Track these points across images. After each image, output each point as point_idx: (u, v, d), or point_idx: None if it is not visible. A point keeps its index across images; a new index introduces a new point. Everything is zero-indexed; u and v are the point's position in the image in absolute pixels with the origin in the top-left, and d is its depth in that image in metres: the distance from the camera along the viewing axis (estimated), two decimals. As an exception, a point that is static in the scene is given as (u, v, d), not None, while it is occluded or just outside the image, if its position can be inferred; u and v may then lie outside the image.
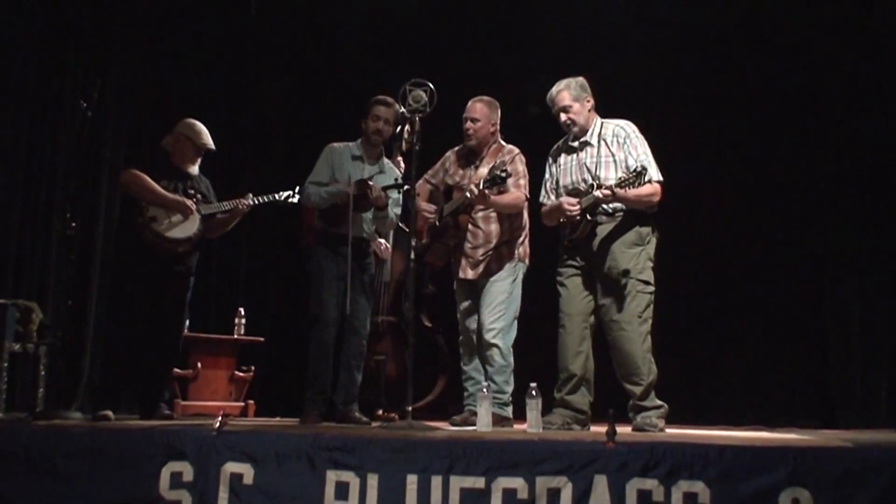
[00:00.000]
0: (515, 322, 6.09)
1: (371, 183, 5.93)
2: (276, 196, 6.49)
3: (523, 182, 6.09)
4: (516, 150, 6.18)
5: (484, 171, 5.96)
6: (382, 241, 6.65)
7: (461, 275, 6.13)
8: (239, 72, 8.95)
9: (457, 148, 6.37)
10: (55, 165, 7.54)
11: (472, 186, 5.79)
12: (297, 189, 6.43)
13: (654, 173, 5.41)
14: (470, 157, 6.25)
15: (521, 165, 6.11)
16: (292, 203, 6.48)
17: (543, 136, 6.23)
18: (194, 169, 6.33)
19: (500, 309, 5.99)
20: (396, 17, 8.78)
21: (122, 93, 8.05)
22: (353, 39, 8.94)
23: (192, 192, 6.26)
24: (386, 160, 6.32)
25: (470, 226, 6.09)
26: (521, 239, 6.17)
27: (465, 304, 6.20)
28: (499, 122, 6.23)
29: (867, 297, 7.60)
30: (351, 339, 6.05)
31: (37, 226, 7.44)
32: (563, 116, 5.71)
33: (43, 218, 7.46)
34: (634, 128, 5.67)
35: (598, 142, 5.65)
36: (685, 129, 8.06)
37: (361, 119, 6.20)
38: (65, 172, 7.54)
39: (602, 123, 5.71)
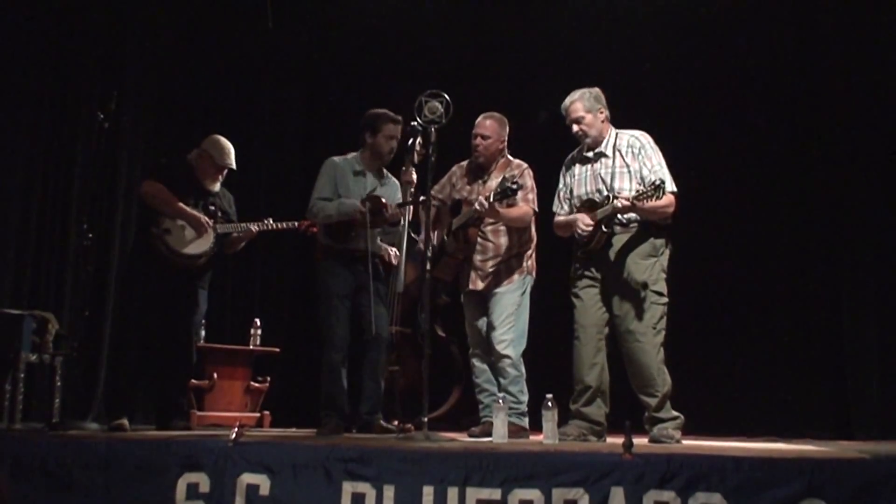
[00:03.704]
0: (525, 333, 6.09)
1: (385, 200, 5.93)
2: (296, 224, 6.47)
3: (531, 196, 6.10)
4: (524, 165, 6.18)
5: (492, 184, 5.96)
6: (393, 248, 6.62)
7: (470, 286, 6.13)
8: (255, 84, 9.00)
9: (463, 163, 6.36)
10: (72, 176, 7.60)
11: (482, 199, 5.79)
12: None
13: (669, 184, 5.40)
14: (478, 172, 6.24)
15: (529, 180, 6.11)
16: (313, 231, 6.44)
17: (553, 147, 6.24)
18: (215, 186, 6.35)
19: (510, 320, 5.99)
20: (410, 30, 8.82)
21: (139, 104, 8.11)
22: (369, 51, 8.98)
23: (213, 208, 6.28)
24: (385, 171, 6.31)
25: (479, 239, 6.09)
26: (529, 252, 6.16)
27: (475, 315, 6.20)
28: (507, 137, 6.23)
29: (884, 306, 7.56)
30: (373, 349, 6.06)
31: (53, 237, 7.48)
32: (575, 127, 5.71)
33: (60, 229, 7.50)
34: (649, 138, 5.67)
35: (613, 152, 5.64)
36: (695, 138, 8.05)
37: (367, 133, 6.18)
38: (81, 183, 7.58)
39: (617, 134, 5.70)
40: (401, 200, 6.12)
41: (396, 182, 6.34)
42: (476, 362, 6.17)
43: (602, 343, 5.62)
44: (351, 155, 6.28)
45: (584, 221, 5.50)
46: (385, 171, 6.30)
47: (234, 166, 6.38)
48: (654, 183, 5.23)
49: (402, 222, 6.15)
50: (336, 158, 6.26)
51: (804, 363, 7.85)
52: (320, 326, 6.08)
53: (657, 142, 5.68)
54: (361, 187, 6.10)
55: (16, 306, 6.71)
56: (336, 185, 6.13)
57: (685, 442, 5.35)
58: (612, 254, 5.55)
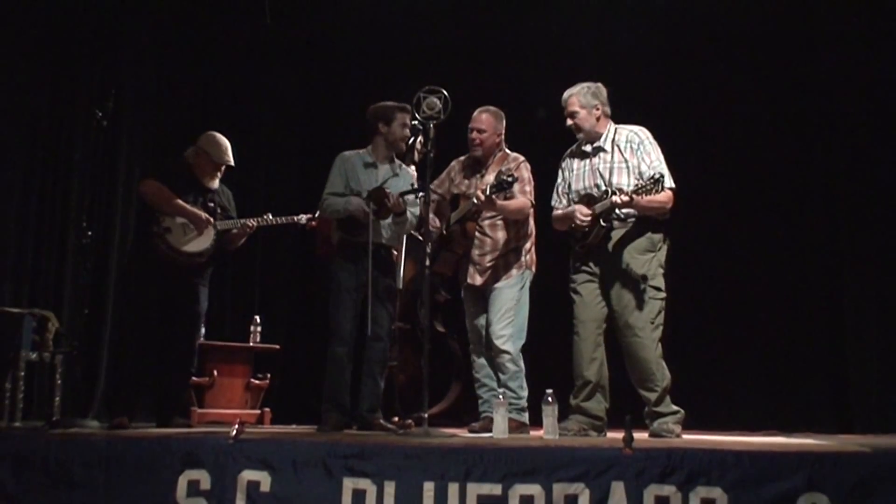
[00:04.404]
0: (524, 328, 6.10)
1: (388, 190, 5.93)
2: (296, 218, 6.48)
3: (529, 189, 6.11)
4: (522, 158, 6.19)
5: (490, 178, 5.96)
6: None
7: (469, 281, 6.14)
8: (254, 80, 8.98)
9: (462, 157, 6.37)
10: (71, 175, 7.59)
11: (479, 192, 5.80)
12: (316, 214, 6.40)
13: (668, 180, 5.40)
14: (475, 166, 6.25)
15: (526, 172, 6.12)
16: (312, 226, 6.45)
17: (552, 142, 6.24)
18: (214, 183, 6.35)
19: (508, 316, 5.99)
20: (408, 26, 8.81)
21: (137, 102, 8.10)
22: (367, 47, 8.97)
23: (212, 205, 6.29)
24: (398, 162, 6.33)
25: (477, 233, 6.09)
26: (528, 246, 6.17)
27: (474, 310, 6.21)
28: (504, 131, 6.24)
29: (884, 299, 7.55)
30: (373, 347, 6.05)
31: (53, 235, 7.48)
32: (569, 121, 5.72)
33: (59, 227, 7.50)
34: (648, 134, 5.66)
35: (612, 147, 5.64)
36: (694, 133, 8.06)
37: (380, 123, 6.17)
38: (80, 181, 7.58)
39: (616, 129, 5.70)
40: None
41: (410, 171, 6.36)
42: (475, 357, 6.18)
43: (601, 338, 5.62)
44: (362, 149, 6.28)
45: (582, 212, 5.50)
46: (398, 161, 6.30)
47: (232, 163, 6.38)
48: (652, 177, 5.23)
49: (410, 213, 6.15)
50: (346, 153, 6.27)
51: (805, 357, 7.85)
52: (328, 320, 6.08)
53: (656, 137, 5.68)
54: (373, 180, 6.10)
55: (16, 305, 6.71)
56: (347, 180, 6.13)
57: (685, 436, 5.35)
58: (609, 248, 5.54)
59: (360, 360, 6.09)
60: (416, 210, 6.21)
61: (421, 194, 5.67)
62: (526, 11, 8.70)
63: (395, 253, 6.62)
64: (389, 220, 6.07)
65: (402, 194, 6.00)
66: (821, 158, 8.03)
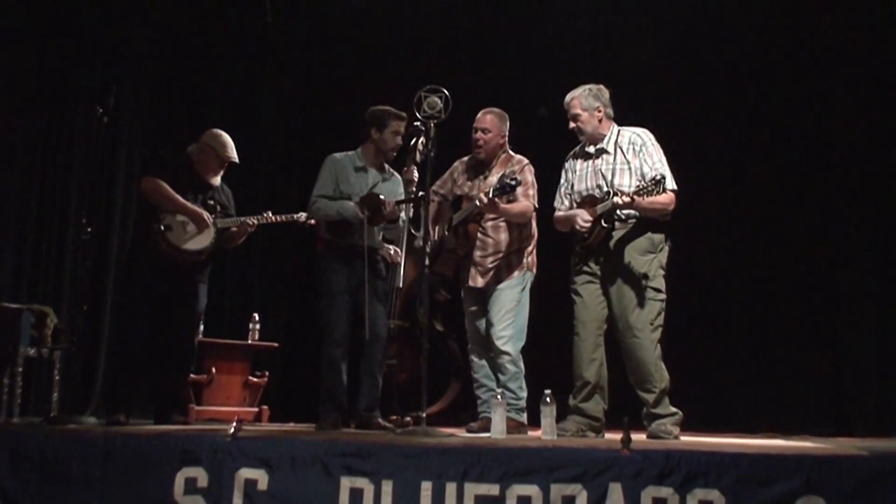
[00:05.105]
0: (525, 329, 6.09)
1: (383, 198, 5.93)
2: (295, 217, 6.48)
3: (532, 192, 6.09)
4: (525, 161, 6.18)
5: (493, 180, 5.95)
6: (392, 245, 6.64)
7: (470, 283, 6.13)
8: (254, 78, 8.98)
9: (465, 158, 6.36)
10: (71, 171, 7.60)
11: (482, 195, 5.79)
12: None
13: (669, 182, 5.40)
14: (479, 168, 6.23)
15: (529, 175, 6.11)
16: (311, 225, 6.46)
17: (553, 143, 6.24)
18: (216, 180, 6.33)
19: (509, 317, 5.98)
20: (410, 24, 8.80)
21: (137, 99, 8.11)
22: (368, 46, 8.96)
23: (213, 202, 6.27)
24: (388, 167, 6.32)
25: (479, 234, 6.08)
26: (530, 248, 6.16)
27: (474, 311, 6.20)
28: (507, 132, 6.23)
29: (883, 302, 7.56)
30: (371, 346, 6.05)
31: (52, 231, 7.49)
32: (571, 124, 5.73)
33: (58, 223, 7.50)
34: (651, 136, 5.66)
35: (615, 149, 5.64)
36: (695, 135, 8.05)
37: (373, 129, 6.16)
38: (80, 178, 7.59)
39: (619, 131, 5.70)
40: (403, 195, 6.12)
41: (399, 177, 6.34)
42: (475, 358, 6.17)
43: (601, 339, 5.62)
44: (352, 151, 6.27)
45: (584, 217, 5.50)
46: (387, 166, 6.30)
47: (236, 160, 6.36)
48: (654, 178, 5.24)
49: (402, 219, 6.15)
50: (337, 155, 6.25)
51: (803, 359, 7.84)
52: (321, 321, 6.08)
53: (657, 138, 5.68)
54: (363, 183, 6.10)
55: (14, 300, 6.71)
56: (337, 182, 6.12)
57: (684, 438, 5.35)
58: (610, 248, 5.54)
59: (356, 359, 6.10)
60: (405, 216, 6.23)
61: (421, 194, 5.65)
62: (527, 11, 8.70)
63: (397, 254, 6.62)
64: (379, 225, 6.08)
65: (399, 203, 6.00)
66: (820, 160, 8.02)
